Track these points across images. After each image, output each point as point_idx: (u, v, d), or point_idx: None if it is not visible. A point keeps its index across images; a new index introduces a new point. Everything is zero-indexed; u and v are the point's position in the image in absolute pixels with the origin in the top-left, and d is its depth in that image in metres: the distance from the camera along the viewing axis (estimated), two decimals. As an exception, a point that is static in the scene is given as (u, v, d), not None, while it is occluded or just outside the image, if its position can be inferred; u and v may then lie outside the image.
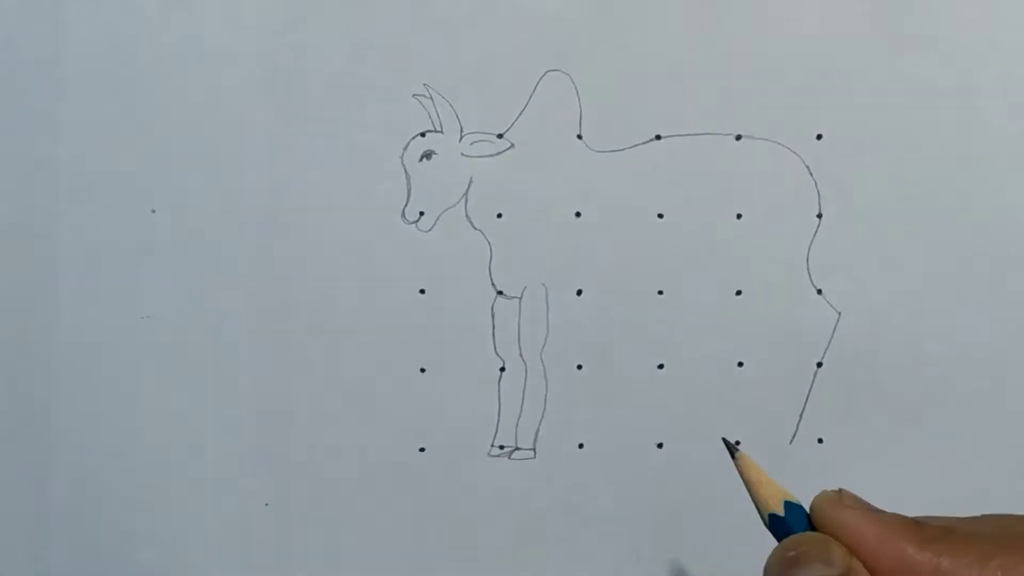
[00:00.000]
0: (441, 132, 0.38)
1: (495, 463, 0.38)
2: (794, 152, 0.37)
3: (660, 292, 0.38)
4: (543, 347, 0.38)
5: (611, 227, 0.37)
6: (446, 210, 0.38)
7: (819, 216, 0.37)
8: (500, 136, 0.37)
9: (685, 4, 0.36)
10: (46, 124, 0.38)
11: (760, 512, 0.30)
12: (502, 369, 0.38)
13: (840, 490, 0.30)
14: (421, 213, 0.38)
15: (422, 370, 0.38)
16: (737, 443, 0.35)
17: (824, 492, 0.30)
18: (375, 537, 0.38)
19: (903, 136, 0.36)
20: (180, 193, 0.38)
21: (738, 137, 0.37)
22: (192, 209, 0.38)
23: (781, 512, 0.30)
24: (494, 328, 0.38)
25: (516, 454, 0.38)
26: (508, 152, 0.37)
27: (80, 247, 0.38)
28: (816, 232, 0.37)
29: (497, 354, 0.38)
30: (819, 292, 0.37)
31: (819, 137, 0.36)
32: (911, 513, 0.29)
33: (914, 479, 0.37)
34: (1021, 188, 0.36)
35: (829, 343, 0.37)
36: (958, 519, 0.29)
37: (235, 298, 0.38)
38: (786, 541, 0.29)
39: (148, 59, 0.38)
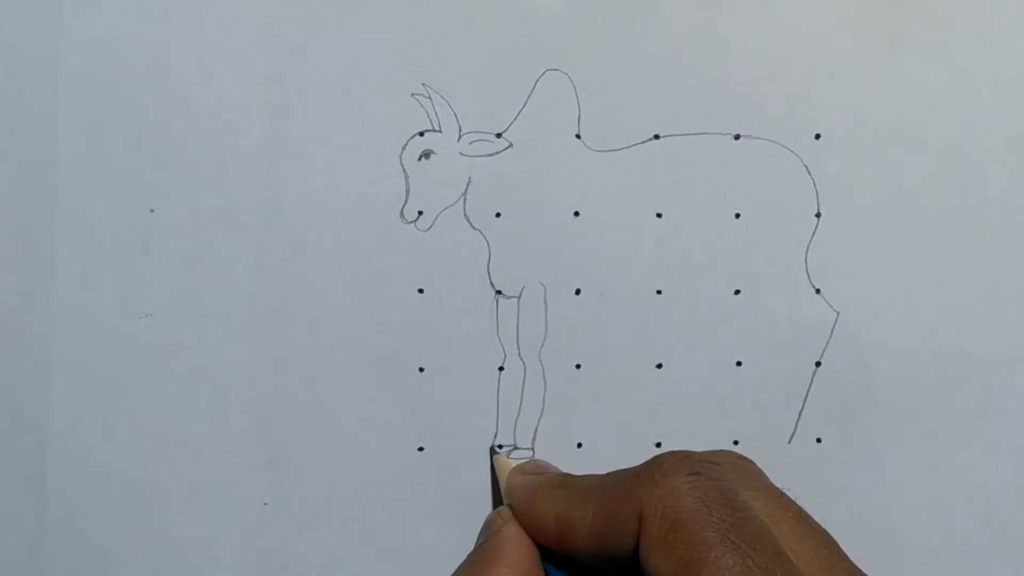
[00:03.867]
0: (439, 131, 0.38)
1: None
2: (793, 152, 0.37)
3: (659, 292, 0.38)
4: (542, 346, 0.38)
5: (609, 227, 0.37)
6: (444, 209, 0.38)
7: (818, 215, 0.37)
8: (499, 135, 0.38)
9: (683, 3, 0.36)
10: (45, 123, 0.39)
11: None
12: (501, 368, 0.38)
13: (529, 460, 0.36)
14: (420, 212, 0.38)
15: (420, 369, 0.38)
16: (498, 446, 0.38)
17: (513, 468, 0.35)
18: (373, 537, 0.38)
19: (902, 135, 0.36)
20: (178, 193, 0.38)
21: (736, 136, 0.37)
22: (190, 209, 0.38)
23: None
24: (493, 328, 0.38)
25: (515, 453, 0.38)
26: (506, 151, 0.38)
27: (79, 247, 0.38)
28: (815, 231, 0.37)
29: (496, 354, 0.38)
30: (818, 291, 0.37)
31: (817, 137, 0.36)
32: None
33: (913, 479, 0.37)
34: (1020, 188, 0.37)
35: (828, 342, 0.37)
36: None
37: (234, 298, 0.38)
38: None
39: (147, 58, 0.38)
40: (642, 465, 0.29)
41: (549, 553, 0.32)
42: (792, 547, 0.26)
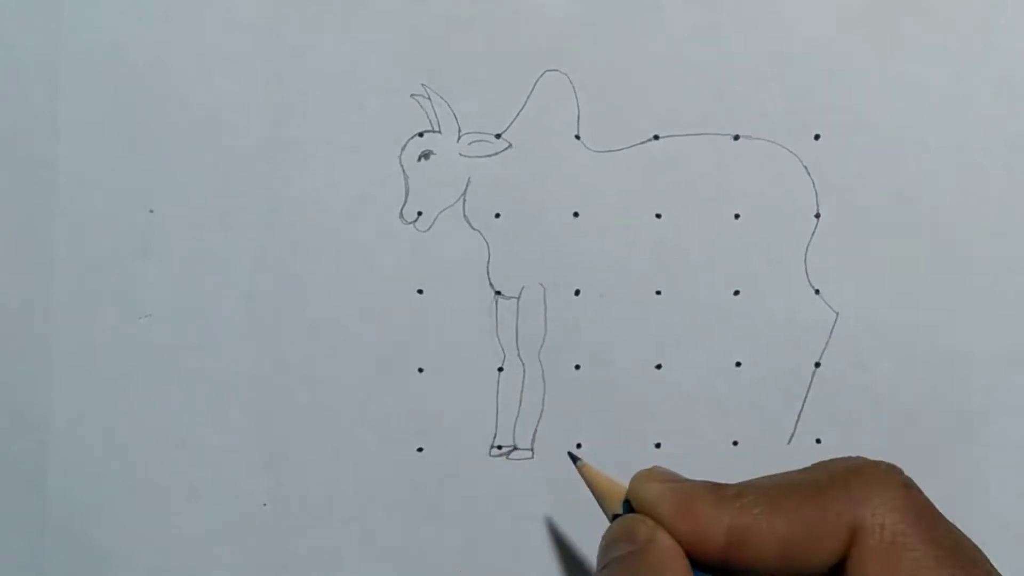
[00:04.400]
0: (439, 132, 0.38)
1: (493, 463, 0.38)
2: (792, 152, 0.37)
3: (658, 292, 0.38)
4: (541, 347, 0.38)
5: (609, 227, 0.37)
6: (444, 210, 0.38)
7: (817, 216, 0.37)
8: (498, 136, 0.38)
9: (683, 4, 0.36)
10: (44, 123, 0.39)
11: (606, 515, 0.31)
12: (500, 369, 0.38)
13: (653, 467, 0.31)
14: (419, 213, 0.38)
15: (420, 370, 0.38)
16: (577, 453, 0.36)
17: (638, 472, 0.31)
18: (373, 537, 0.38)
19: (901, 136, 0.36)
20: (178, 193, 0.38)
21: (736, 137, 0.37)
22: (190, 209, 0.38)
23: (621, 511, 0.31)
24: (493, 328, 0.38)
25: (514, 454, 0.38)
26: (506, 152, 0.38)
27: (78, 247, 0.38)
28: (814, 232, 0.37)
29: (495, 354, 0.38)
30: (817, 292, 0.37)
31: (817, 137, 0.36)
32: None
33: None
34: (1019, 188, 0.37)
35: (827, 343, 0.37)
36: (771, 475, 0.29)
37: (233, 298, 0.38)
38: (606, 530, 0.30)
39: (147, 58, 0.38)
40: (841, 473, 0.28)
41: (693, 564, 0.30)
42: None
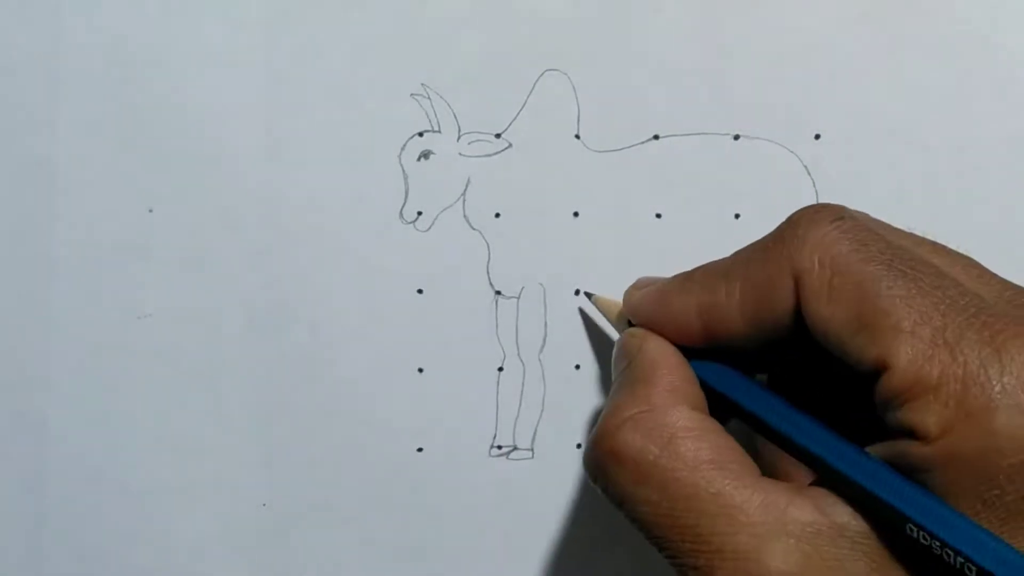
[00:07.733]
0: (439, 132, 0.38)
1: (493, 463, 0.38)
2: (792, 152, 0.37)
3: (658, 292, 0.38)
4: (541, 347, 0.38)
5: (609, 227, 0.37)
6: (444, 210, 0.38)
7: (817, 216, 0.37)
8: (498, 136, 0.38)
9: (683, 4, 0.36)
10: (43, 122, 0.39)
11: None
12: (500, 369, 0.38)
13: (638, 278, 0.33)
14: (419, 213, 0.38)
15: (420, 370, 0.38)
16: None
17: (626, 289, 0.33)
18: (372, 537, 0.38)
19: (901, 136, 0.36)
20: (177, 193, 0.38)
21: (736, 137, 0.37)
22: (189, 209, 0.38)
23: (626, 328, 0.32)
24: (493, 328, 0.38)
25: (514, 454, 0.38)
26: (506, 152, 0.38)
27: (77, 246, 0.38)
28: (814, 232, 0.37)
29: (495, 354, 0.38)
30: (817, 292, 0.37)
31: (817, 137, 0.36)
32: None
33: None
34: (1019, 188, 0.37)
35: (827, 343, 0.37)
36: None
37: (232, 298, 0.38)
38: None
39: (146, 57, 0.38)
40: (778, 228, 0.28)
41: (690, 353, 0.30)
42: (945, 270, 0.26)
